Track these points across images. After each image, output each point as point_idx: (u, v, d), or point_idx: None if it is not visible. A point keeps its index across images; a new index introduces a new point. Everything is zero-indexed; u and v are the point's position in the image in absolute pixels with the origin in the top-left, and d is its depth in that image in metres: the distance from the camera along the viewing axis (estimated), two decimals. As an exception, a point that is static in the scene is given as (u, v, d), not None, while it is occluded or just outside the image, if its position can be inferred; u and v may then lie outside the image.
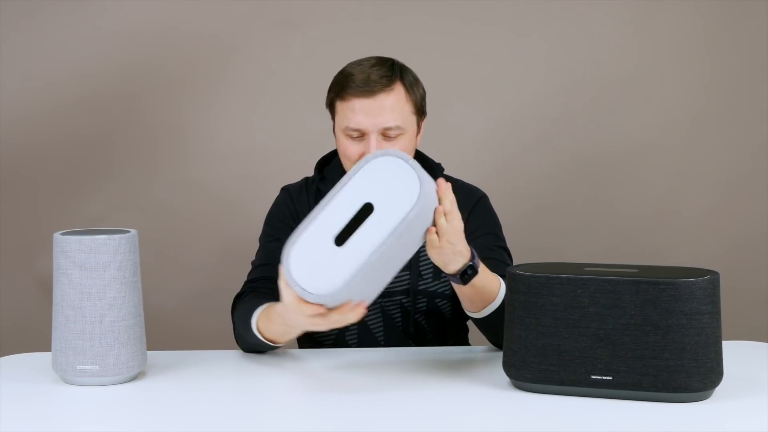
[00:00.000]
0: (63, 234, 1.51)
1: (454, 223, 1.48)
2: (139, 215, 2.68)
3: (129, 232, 1.53)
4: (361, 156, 1.76)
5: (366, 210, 1.40)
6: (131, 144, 2.71)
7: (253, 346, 1.71)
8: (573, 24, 2.73)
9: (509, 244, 1.91)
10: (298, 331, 1.63)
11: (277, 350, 1.73)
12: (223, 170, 2.73)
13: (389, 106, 1.77)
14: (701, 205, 2.77)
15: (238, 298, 1.78)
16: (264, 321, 1.64)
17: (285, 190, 1.93)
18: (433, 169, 1.91)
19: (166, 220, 2.71)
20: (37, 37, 2.66)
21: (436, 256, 1.51)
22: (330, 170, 1.90)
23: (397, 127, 1.77)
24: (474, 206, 1.88)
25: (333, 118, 1.84)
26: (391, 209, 1.39)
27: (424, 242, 1.49)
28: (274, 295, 1.58)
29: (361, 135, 1.77)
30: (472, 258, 1.55)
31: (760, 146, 2.76)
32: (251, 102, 2.74)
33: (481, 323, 1.69)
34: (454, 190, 1.89)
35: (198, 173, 2.73)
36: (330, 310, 1.39)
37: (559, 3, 2.72)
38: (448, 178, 1.91)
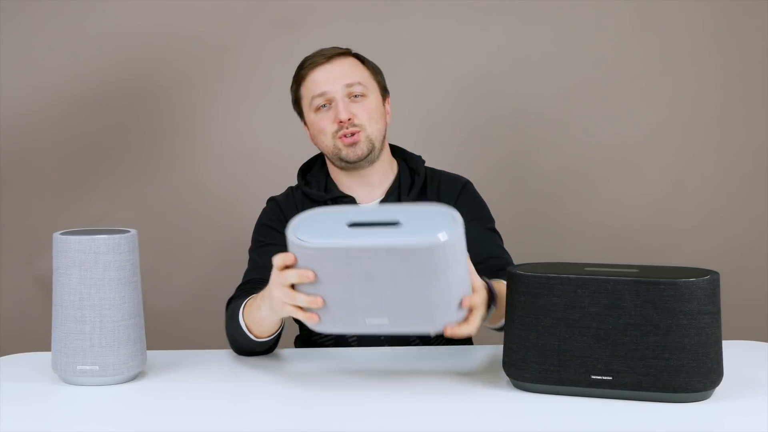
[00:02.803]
0: (63, 234, 1.51)
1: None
2: (139, 215, 2.68)
3: (129, 232, 1.53)
4: (336, 124, 1.80)
5: (392, 224, 1.31)
6: (131, 144, 2.71)
7: (241, 344, 1.67)
8: (573, 24, 2.73)
9: (509, 244, 1.91)
10: (274, 316, 1.51)
11: (275, 352, 1.72)
12: (223, 170, 2.73)
13: (347, 68, 1.84)
14: (701, 205, 2.77)
15: (230, 301, 1.76)
16: (249, 305, 1.61)
17: (272, 200, 1.94)
18: (414, 161, 1.91)
19: (166, 220, 2.71)
20: (36, 37, 2.66)
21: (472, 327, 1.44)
22: (313, 175, 1.92)
23: (359, 84, 1.82)
24: (459, 194, 1.89)
25: (303, 117, 1.90)
26: (411, 235, 1.29)
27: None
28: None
29: (329, 102, 1.82)
30: (489, 287, 1.49)
31: (760, 146, 2.76)
32: (252, 102, 2.73)
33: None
34: (437, 181, 1.90)
35: (198, 173, 2.73)
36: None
37: (559, 2, 2.72)
38: (430, 170, 1.92)
